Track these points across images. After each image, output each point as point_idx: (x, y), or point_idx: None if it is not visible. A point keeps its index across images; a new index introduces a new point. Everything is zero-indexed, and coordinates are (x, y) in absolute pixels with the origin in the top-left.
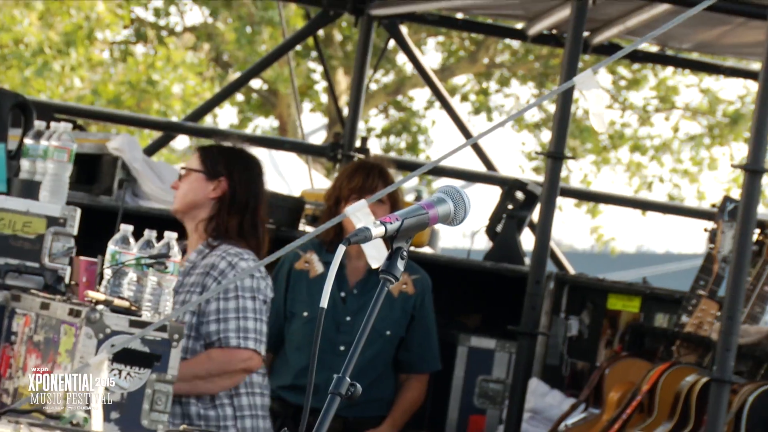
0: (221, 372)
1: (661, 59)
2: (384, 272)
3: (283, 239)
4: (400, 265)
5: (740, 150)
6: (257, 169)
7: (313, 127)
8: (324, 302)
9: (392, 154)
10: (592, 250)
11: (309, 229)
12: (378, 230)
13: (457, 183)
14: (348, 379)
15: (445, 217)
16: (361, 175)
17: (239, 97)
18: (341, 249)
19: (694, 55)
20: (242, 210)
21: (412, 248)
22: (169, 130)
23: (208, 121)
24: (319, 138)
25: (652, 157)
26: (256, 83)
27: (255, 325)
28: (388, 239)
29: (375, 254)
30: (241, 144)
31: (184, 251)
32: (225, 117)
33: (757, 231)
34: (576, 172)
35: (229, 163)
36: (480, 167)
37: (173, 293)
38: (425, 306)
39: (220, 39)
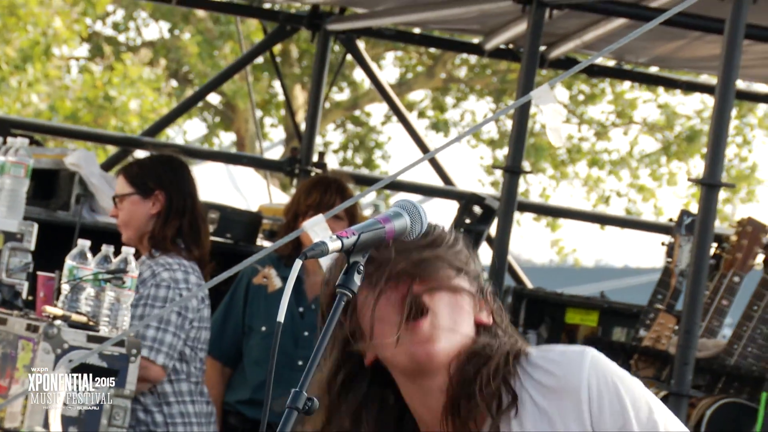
0: None
1: (617, 73)
2: (341, 286)
3: (241, 254)
4: (357, 279)
5: (697, 166)
6: (186, 170)
7: (273, 141)
8: (281, 317)
9: (350, 169)
10: (551, 264)
11: (267, 244)
12: (334, 244)
13: (415, 198)
14: (305, 394)
15: (401, 231)
16: (319, 190)
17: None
18: (298, 263)
19: (652, 70)
20: (180, 215)
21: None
22: (127, 145)
23: (172, 136)
24: (278, 152)
25: (610, 171)
26: (214, 98)
27: (155, 334)
28: (345, 254)
29: (328, 265)
30: (168, 152)
31: None
32: (192, 132)
33: (715, 245)
34: (535, 185)
35: (157, 175)
36: (438, 182)
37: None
38: None
39: (182, 52)
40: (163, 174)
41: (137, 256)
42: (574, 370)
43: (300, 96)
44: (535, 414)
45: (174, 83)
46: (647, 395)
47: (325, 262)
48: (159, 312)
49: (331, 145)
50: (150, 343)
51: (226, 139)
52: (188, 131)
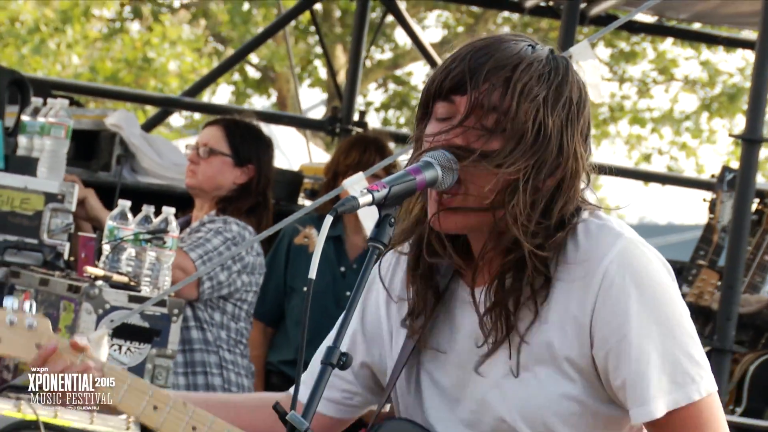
0: None
1: (658, 30)
2: (372, 240)
3: (282, 213)
4: (390, 231)
5: (738, 124)
6: (273, 153)
7: (312, 102)
8: (312, 273)
9: (390, 129)
10: None
11: (308, 203)
12: (365, 198)
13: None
14: (339, 349)
15: (432, 181)
16: (359, 149)
17: (235, 76)
18: (328, 219)
19: (693, 27)
20: (259, 194)
21: None
22: (167, 106)
23: (205, 98)
24: (318, 113)
25: (652, 129)
26: (254, 59)
27: (207, 249)
28: (377, 207)
29: (372, 225)
30: (252, 120)
31: (187, 223)
32: (220, 95)
33: (756, 200)
34: None
35: (257, 151)
36: None
37: None
38: None
39: (213, 20)
40: (260, 150)
41: (177, 216)
42: (599, 251)
43: (341, 56)
44: (557, 291)
45: (214, 43)
46: (669, 316)
47: (366, 221)
48: (220, 259)
49: (372, 105)
50: (201, 253)
51: (258, 103)
52: (216, 93)
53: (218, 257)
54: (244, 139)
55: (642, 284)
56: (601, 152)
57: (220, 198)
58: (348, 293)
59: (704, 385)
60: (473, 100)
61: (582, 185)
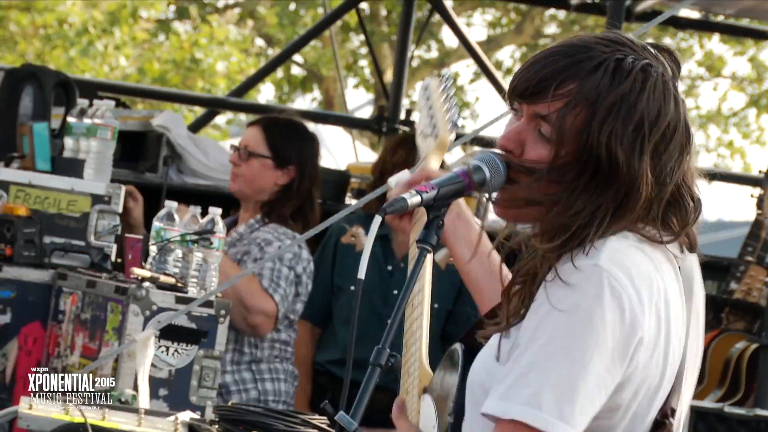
0: (242, 295)
1: (704, 25)
2: (420, 242)
3: (329, 213)
4: (438, 233)
5: None
6: (318, 150)
7: (359, 102)
8: (362, 273)
9: None
10: None
11: (354, 202)
12: (414, 200)
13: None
14: (387, 350)
15: (481, 183)
16: (405, 148)
17: (279, 74)
18: (377, 219)
19: (740, 22)
20: (304, 195)
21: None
22: (213, 106)
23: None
24: (364, 114)
25: (699, 126)
26: (299, 59)
27: (285, 288)
28: (425, 208)
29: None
30: (294, 117)
31: (234, 223)
32: (264, 95)
33: None
34: None
35: (299, 150)
36: None
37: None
38: None
39: (261, 22)
40: (302, 149)
41: (224, 216)
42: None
43: (388, 55)
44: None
45: (261, 43)
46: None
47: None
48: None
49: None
50: (283, 294)
51: (301, 103)
52: (262, 92)
53: (290, 286)
54: (285, 139)
55: (570, 311)
56: None
57: (263, 202)
58: (396, 292)
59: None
60: (531, 112)
61: (643, 209)
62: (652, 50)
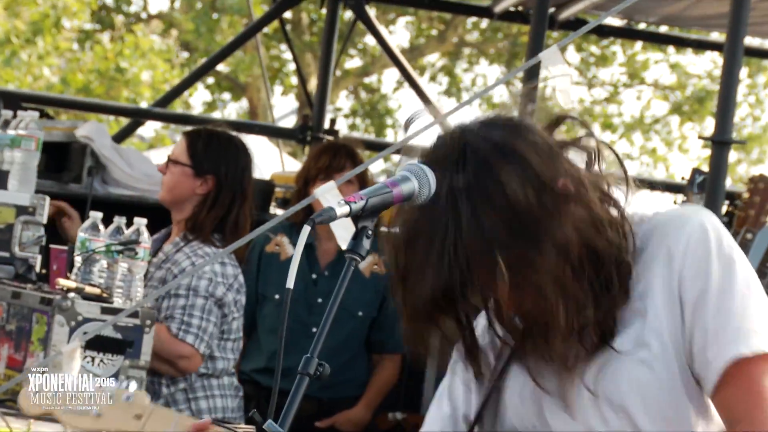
0: (156, 350)
1: (627, 33)
2: (349, 251)
3: (254, 223)
4: (366, 243)
5: (708, 128)
6: (246, 162)
7: (284, 111)
8: (290, 282)
9: (362, 136)
10: None
11: (280, 212)
12: (342, 210)
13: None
14: (316, 359)
15: (409, 195)
16: (329, 154)
17: (210, 80)
18: (306, 229)
19: (662, 30)
20: (226, 208)
21: (384, 229)
22: (138, 117)
23: (178, 106)
24: (290, 122)
25: (622, 135)
26: (224, 68)
27: (199, 323)
28: (353, 219)
29: (344, 235)
30: (219, 129)
31: (169, 235)
32: (197, 98)
33: (727, 202)
34: None
35: (217, 160)
36: None
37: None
38: None
39: (179, 28)
40: (222, 161)
41: (154, 228)
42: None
43: (311, 64)
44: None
45: (185, 54)
46: (743, 279)
47: (336, 230)
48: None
49: (341, 112)
50: (196, 331)
51: (232, 110)
52: (192, 97)
53: (208, 316)
54: (206, 148)
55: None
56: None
57: (187, 218)
58: (320, 300)
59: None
60: None
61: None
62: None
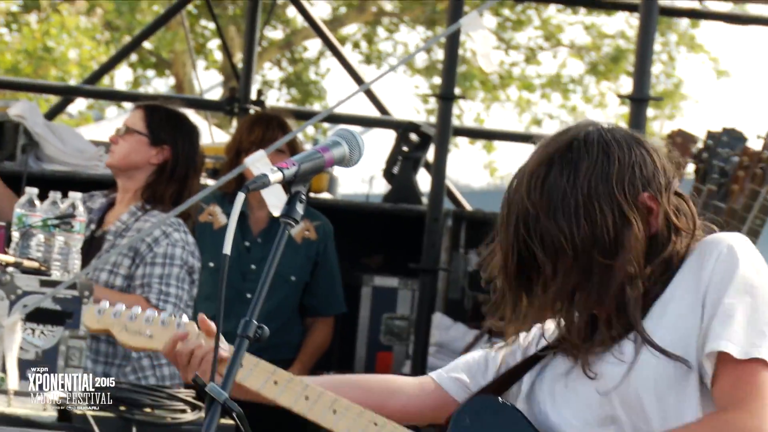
0: None
1: None
2: (284, 216)
3: None
4: (299, 208)
5: (624, 85)
6: (196, 137)
7: (210, 84)
8: (227, 248)
9: (288, 106)
10: (488, 188)
11: (210, 182)
12: (275, 176)
13: (354, 129)
14: (255, 322)
15: (340, 159)
16: (261, 126)
17: (133, 57)
18: (240, 196)
19: None
20: (181, 180)
21: (312, 195)
22: (68, 95)
23: (105, 83)
24: (216, 95)
25: (542, 95)
26: (147, 45)
27: (176, 292)
28: (287, 185)
29: (275, 202)
30: (170, 106)
31: (112, 203)
32: (120, 77)
33: None
34: (468, 112)
35: (173, 132)
36: (375, 113)
37: (104, 253)
38: (328, 251)
39: (103, 7)
40: (178, 133)
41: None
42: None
43: (236, 37)
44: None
45: (110, 32)
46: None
47: (268, 197)
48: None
49: (268, 84)
50: (174, 300)
51: (157, 86)
52: (116, 77)
53: (182, 284)
54: (162, 121)
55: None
56: (492, 117)
57: (140, 183)
58: (253, 266)
59: None
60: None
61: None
62: None
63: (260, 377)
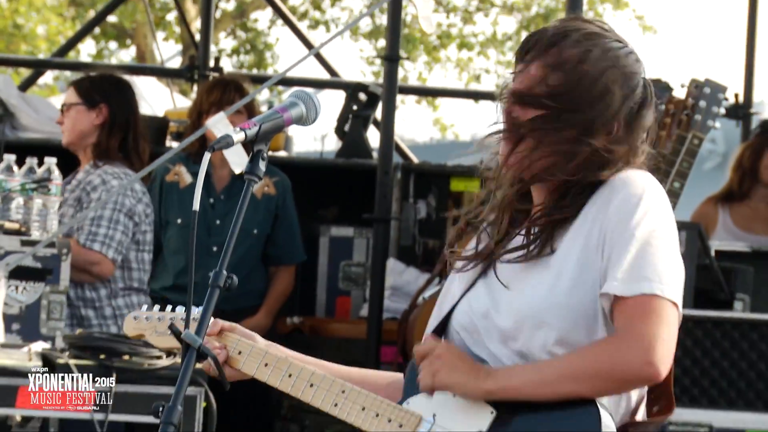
0: (72, 262)
1: None
2: (248, 173)
3: (152, 156)
4: (262, 165)
5: None
6: (130, 90)
7: (170, 54)
8: (196, 205)
9: (244, 71)
10: (432, 142)
11: (175, 144)
12: (238, 136)
13: (309, 90)
14: (225, 272)
15: (298, 118)
16: (219, 89)
17: (96, 30)
18: (207, 156)
19: None
20: (124, 129)
21: (270, 153)
22: (39, 67)
23: (71, 56)
24: (177, 63)
25: (479, 52)
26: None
27: (106, 232)
28: (249, 144)
29: (237, 160)
30: (109, 71)
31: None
32: (83, 50)
33: None
34: (413, 71)
35: (104, 90)
36: (325, 75)
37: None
38: (287, 204)
39: None
40: (109, 90)
41: (59, 165)
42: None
43: (191, 10)
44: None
45: (75, 8)
46: (659, 231)
47: (231, 156)
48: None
49: (224, 52)
50: (102, 239)
51: (121, 57)
52: (81, 51)
53: (115, 225)
54: (90, 86)
55: (653, 208)
56: (434, 76)
57: (92, 147)
58: (218, 222)
59: (658, 288)
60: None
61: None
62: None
63: (254, 363)
